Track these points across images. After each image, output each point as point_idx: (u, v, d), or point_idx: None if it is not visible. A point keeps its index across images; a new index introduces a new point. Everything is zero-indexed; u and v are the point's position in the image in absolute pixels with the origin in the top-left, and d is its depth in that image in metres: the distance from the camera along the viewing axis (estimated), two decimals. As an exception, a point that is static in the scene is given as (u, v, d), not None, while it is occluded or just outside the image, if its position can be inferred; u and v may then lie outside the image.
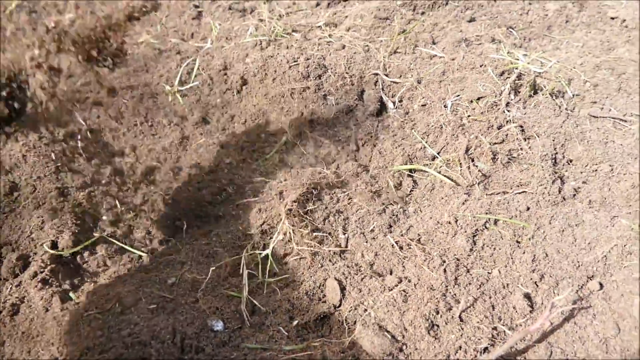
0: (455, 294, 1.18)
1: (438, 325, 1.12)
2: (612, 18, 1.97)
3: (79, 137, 1.65)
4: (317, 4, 2.09)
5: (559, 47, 1.85)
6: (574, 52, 1.79)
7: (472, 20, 1.93)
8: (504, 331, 1.12)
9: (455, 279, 1.20)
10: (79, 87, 1.77)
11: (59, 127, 1.65)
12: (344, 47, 1.79)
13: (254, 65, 1.76)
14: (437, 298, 1.15)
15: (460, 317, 1.14)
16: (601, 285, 1.18)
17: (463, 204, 1.35)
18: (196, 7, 2.14)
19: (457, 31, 1.84)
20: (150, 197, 1.54)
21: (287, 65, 1.71)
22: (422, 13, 1.97)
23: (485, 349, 1.10)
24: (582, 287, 1.19)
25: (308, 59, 1.72)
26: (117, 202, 1.52)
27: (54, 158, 1.52)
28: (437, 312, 1.13)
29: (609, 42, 1.84)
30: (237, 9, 2.12)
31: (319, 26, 1.94)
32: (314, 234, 1.30)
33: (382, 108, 1.65)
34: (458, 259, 1.24)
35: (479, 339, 1.11)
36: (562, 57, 1.74)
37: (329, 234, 1.31)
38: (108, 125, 1.72)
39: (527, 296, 1.18)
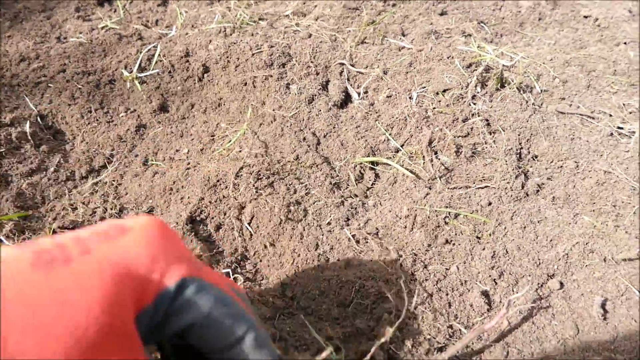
0: (410, 290, 1.12)
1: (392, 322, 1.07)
2: (585, 17, 1.94)
3: (28, 122, 1.56)
4: (287, -6, 2.04)
5: (531, 43, 1.81)
6: (545, 49, 1.75)
7: (443, 13, 1.88)
8: (460, 329, 1.07)
9: (412, 274, 1.15)
10: (31, 69, 1.69)
11: (6, 111, 1.57)
12: (310, 36, 1.73)
13: (216, 52, 1.69)
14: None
15: (414, 313, 1.08)
16: (561, 284, 1.14)
17: (424, 197, 1.30)
18: (162, -7, 2.07)
19: (428, 24, 1.79)
20: (100, 187, 1.47)
21: (250, 53, 1.65)
22: (393, 5, 1.92)
23: (441, 348, 1.05)
24: (542, 285, 1.14)
25: (272, 47, 1.66)
26: (65, 191, 1.44)
27: (-1, 142, 1.44)
28: (392, 309, 1.08)
29: (581, 41, 1.81)
30: (205, -4, 2.05)
31: (286, 15, 1.89)
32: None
33: (346, 99, 1.60)
34: (415, 254, 1.19)
35: (434, 337, 1.05)
36: (533, 53, 1.70)
37: (283, 226, 1.25)
38: (60, 111, 1.64)
39: (485, 294, 1.13)
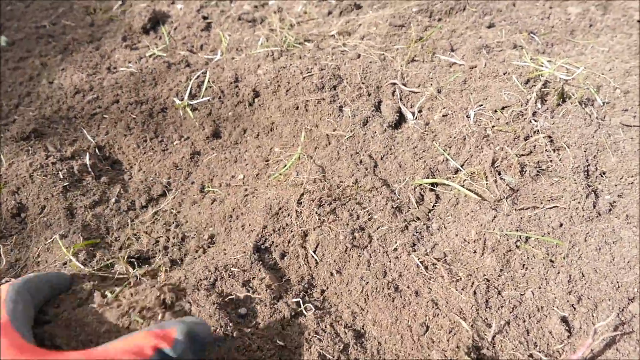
0: (486, 318, 1.10)
1: (478, 347, 1.05)
2: (639, 21, 1.89)
3: (88, 154, 1.59)
4: (329, 12, 2.03)
5: (584, 52, 1.77)
6: (600, 58, 1.71)
7: (491, 25, 1.85)
8: (541, 358, 1.04)
9: (486, 301, 1.13)
10: (86, 101, 1.72)
11: (66, 144, 1.59)
12: (359, 56, 1.72)
13: (266, 76, 1.69)
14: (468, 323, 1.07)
15: (492, 342, 1.06)
16: (644, 308, 1.10)
17: (492, 220, 1.27)
18: (205, 18, 2.09)
19: (477, 37, 1.77)
20: (161, 216, 1.48)
21: (301, 77, 1.65)
22: (439, 19, 1.90)
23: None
24: (622, 310, 1.11)
25: (322, 69, 1.65)
26: (128, 221, 1.46)
27: (61, 177, 1.46)
28: (469, 339, 1.06)
29: (637, 47, 1.77)
30: (247, 19, 2.06)
31: (332, 35, 1.88)
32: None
33: (400, 119, 1.58)
34: (488, 280, 1.17)
35: (516, 368, 1.03)
36: (589, 62, 1.66)
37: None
38: (117, 141, 1.66)
39: (564, 320, 1.10)
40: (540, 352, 1.06)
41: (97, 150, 1.61)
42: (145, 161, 1.62)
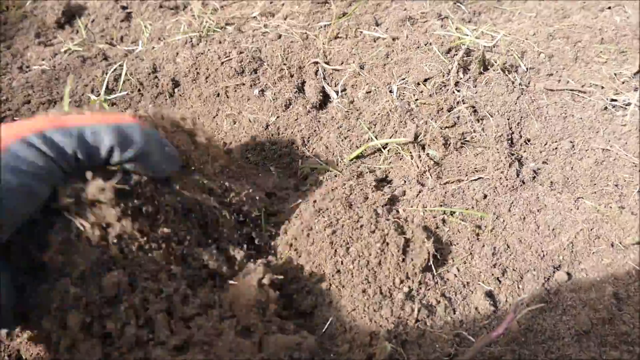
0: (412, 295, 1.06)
1: (398, 336, 1.00)
2: (565, -17, 1.86)
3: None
4: (254, -6, 1.95)
5: (511, 18, 1.74)
6: (526, 23, 1.67)
7: (417, -3, 1.80)
8: (467, 337, 1.00)
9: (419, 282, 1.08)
10: (-7, 104, 1.61)
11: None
12: (280, 36, 1.65)
13: (184, 64, 1.61)
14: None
15: (417, 325, 1.02)
16: (569, 275, 1.07)
17: (416, 196, 1.23)
18: (124, 8, 1.98)
19: (402, 10, 1.71)
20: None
21: (219, 62, 1.57)
22: (364, -6, 1.83)
23: (447, 357, 0.99)
24: (548, 279, 1.07)
25: (241, 53, 1.58)
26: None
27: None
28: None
29: (564, 10, 1.74)
30: (169, 6, 1.96)
31: (254, 17, 1.80)
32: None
33: (325, 99, 1.52)
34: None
35: (441, 349, 0.99)
36: (514, 28, 1.63)
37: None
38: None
39: (490, 294, 1.06)
40: (466, 330, 1.02)
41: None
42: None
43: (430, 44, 1.48)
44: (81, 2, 2.03)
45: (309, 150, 1.42)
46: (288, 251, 1.13)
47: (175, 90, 1.62)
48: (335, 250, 1.08)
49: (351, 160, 1.35)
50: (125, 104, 1.64)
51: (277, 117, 1.46)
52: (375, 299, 1.03)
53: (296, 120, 1.46)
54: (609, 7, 1.69)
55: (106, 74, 1.69)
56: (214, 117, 1.54)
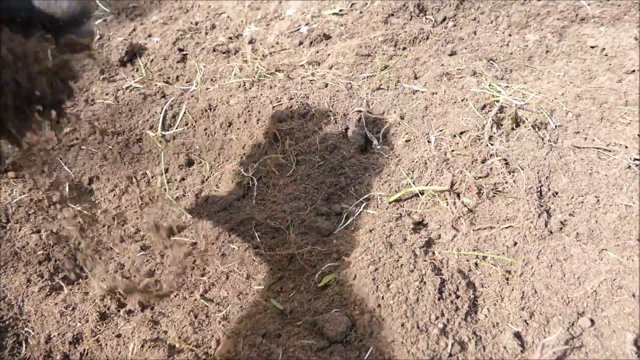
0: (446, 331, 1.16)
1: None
2: (592, 47, 1.98)
3: (67, 185, 1.64)
4: (300, 43, 2.11)
5: (540, 77, 1.86)
6: (555, 82, 1.80)
7: (453, 53, 1.94)
8: (496, 373, 1.10)
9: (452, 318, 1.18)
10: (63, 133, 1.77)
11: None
12: (326, 85, 1.79)
13: (238, 106, 1.76)
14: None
15: (449, 358, 1.12)
16: (592, 321, 1.16)
17: (451, 240, 1.34)
18: (180, 50, 2.16)
19: (439, 65, 1.85)
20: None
21: (271, 106, 1.72)
22: (404, 48, 1.98)
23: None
24: (572, 324, 1.17)
25: (291, 99, 1.72)
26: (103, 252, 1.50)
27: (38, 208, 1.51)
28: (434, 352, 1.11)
29: (590, 71, 1.86)
30: (221, 50, 2.13)
31: (302, 65, 1.96)
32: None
33: (366, 145, 1.65)
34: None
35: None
36: (544, 87, 1.75)
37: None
38: (93, 172, 1.72)
39: (518, 335, 1.16)
40: (495, 366, 1.11)
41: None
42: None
43: (467, 99, 1.61)
44: (142, 42, 2.21)
45: (351, 192, 1.54)
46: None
47: (228, 129, 1.77)
48: (377, 286, 1.20)
49: (390, 202, 1.47)
50: (181, 139, 1.80)
51: (323, 159, 1.59)
52: (412, 332, 1.13)
53: (340, 163, 1.58)
54: (633, 71, 1.80)
55: (166, 110, 1.85)
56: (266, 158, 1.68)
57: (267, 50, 2.11)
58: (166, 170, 1.75)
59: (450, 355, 1.12)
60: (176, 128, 1.81)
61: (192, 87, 1.99)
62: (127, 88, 1.99)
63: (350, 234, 1.42)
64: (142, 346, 1.23)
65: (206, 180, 1.72)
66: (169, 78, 2.07)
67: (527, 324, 1.18)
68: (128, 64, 2.13)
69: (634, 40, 1.98)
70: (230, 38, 2.22)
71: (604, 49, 1.96)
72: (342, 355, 1.12)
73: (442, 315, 1.16)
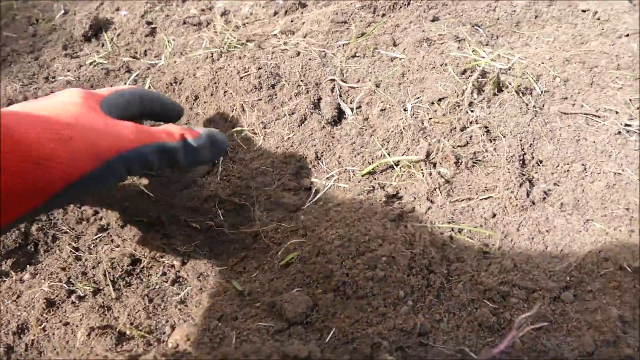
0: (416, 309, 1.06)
1: (402, 348, 1.00)
2: (584, 11, 1.87)
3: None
4: (275, 13, 2.00)
5: (529, 43, 1.75)
6: (544, 48, 1.68)
7: (435, 19, 1.83)
8: (469, 354, 1.00)
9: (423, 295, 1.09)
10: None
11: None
12: (298, 54, 1.68)
13: (204, 78, 1.65)
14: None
15: (419, 340, 1.02)
16: (576, 296, 1.06)
17: (425, 213, 1.24)
18: (149, 23, 2.04)
19: (419, 31, 1.73)
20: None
21: (238, 77, 1.61)
22: (383, 15, 1.87)
23: (451, 375, 0.98)
24: (555, 299, 1.07)
25: (260, 69, 1.61)
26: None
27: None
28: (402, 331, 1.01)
29: (581, 36, 1.74)
30: (192, 22, 2.02)
31: (274, 34, 1.84)
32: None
33: (340, 115, 1.54)
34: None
35: (444, 362, 0.99)
36: (531, 52, 1.64)
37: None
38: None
39: (495, 312, 1.06)
40: (469, 347, 1.02)
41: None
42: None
43: (446, 64, 1.50)
44: (108, 16, 2.10)
45: (322, 165, 1.44)
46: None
47: (195, 103, 1.67)
48: (342, 262, 1.10)
49: (363, 175, 1.37)
50: (145, 115, 1.69)
51: (293, 132, 1.49)
52: (379, 311, 1.04)
53: (310, 135, 1.48)
54: (627, 35, 1.69)
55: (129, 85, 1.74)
56: (232, 132, 1.57)
57: (241, 21, 2.00)
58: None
59: (420, 334, 1.02)
60: (141, 103, 1.70)
61: (160, 61, 1.88)
62: (90, 64, 1.88)
63: (318, 209, 1.31)
64: (89, 334, 1.14)
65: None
66: (136, 53, 1.96)
67: (505, 300, 1.08)
68: (93, 39, 2.02)
69: (628, 3, 1.86)
70: (203, 10, 2.11)
71: (596, 12, 1.84)
72: (301, 338, 1.03)
73: (412, 292, 1.07)
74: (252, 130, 1.52)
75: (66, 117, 0.95)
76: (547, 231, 1.16)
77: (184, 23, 2.02)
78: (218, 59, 1.75)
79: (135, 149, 1.00)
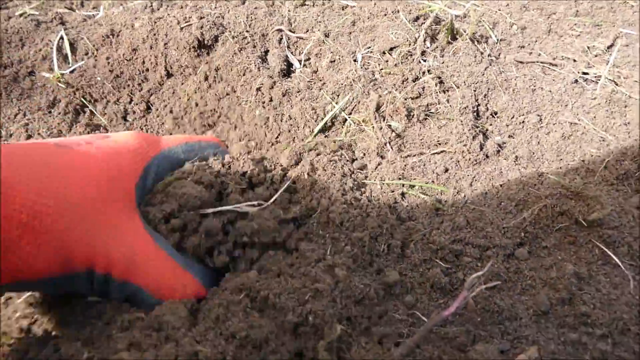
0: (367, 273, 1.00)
1: (350, 318, 0.94)
2: (543, -45, 1.79)
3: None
4: (222, -41, 1.86)
5: (487, -11, 1.67)
6: (502, -6, 1.61)
7: (390, -35, 1.72)
8: (421, 317, 0.95)
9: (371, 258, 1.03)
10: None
11: None
12: (244, 2, 1.57)
13: (142, 29, 1.53)
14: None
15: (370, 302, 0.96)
16: (530, 253, 1.02)
17: (374, 169, 1.17)
18: (85, -30, 1.89)
19: (373, -22, 1.64)
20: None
21: (179, 27, 1.49)
22: (334, -40, 1.75)
23: (403, 338, 0.93)
24: (509, 256, 1.02)
25: (202, 18, 1.50)
26: None
27: None
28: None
29: (540, -18, 1.67)
30: (132, -30, 1.87)
31: (219, -19, 1.72)
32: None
33: (288, 68, 1.45)
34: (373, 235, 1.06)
35: (395, 330, 0.94)
36: (488, -1, 1.56)
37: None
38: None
39: (447, 272, 1.01)
40: (421, 310, 0.97)
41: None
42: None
43: (398, 11, 1.41)
44: (40, -36, 1.93)
45: (274, 120, 1.35)
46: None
47: (133, 56, 1.54)
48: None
49: (315, 135, 1.29)
50: (79, 70, 1.56)
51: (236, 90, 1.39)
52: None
53: (259, 90, 1.39)
54: (587, -20, 1.63)
55: (62, 39, 1.60)
56: (173, 92, 1.47)
57: (184, -31, 1.86)
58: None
59: (371, 299, 0.97)
60: (74, 64, 1.57)
61: (98, 13, 1.74)
62: (20, 15, 1.73)
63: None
64: None
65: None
66: (72, 4, 1.82)
67: (458, 258, 1.03)
68: (23, -12, 1.86)
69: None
70: (144, -43, 1.95)
71: (555, -44, 1.77)
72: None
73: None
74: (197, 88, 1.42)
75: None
76: (501, 185, 1.11)
77: (123, -29, 1.87)
78: (158, 9, 1.62)
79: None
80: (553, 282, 0.97)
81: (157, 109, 1.52)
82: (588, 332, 0.90)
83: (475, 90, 1.26)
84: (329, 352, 0.85)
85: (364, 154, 1.21)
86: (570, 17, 1.46)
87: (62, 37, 1.59)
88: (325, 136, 1.30)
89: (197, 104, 1.46)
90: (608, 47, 1.36)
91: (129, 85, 1.54)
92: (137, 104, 1.52)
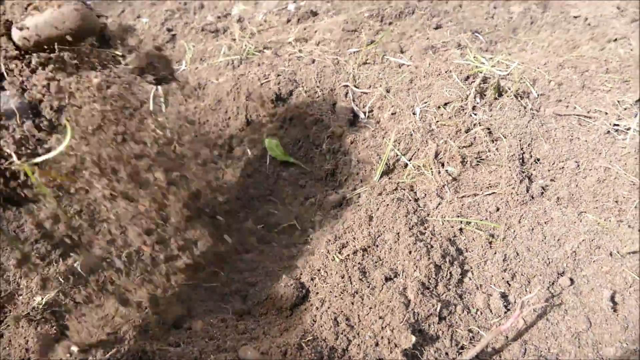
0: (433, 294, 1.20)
1: (421, 330, 1.14)
2: (575, 17, 2.01)
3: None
4: (288, 20, 2.13)
5: (525, 48, 1.89)
6: (539, 53, 1.83)
7: (438, 27, 1.97)
8: (479, 332, 1.15)
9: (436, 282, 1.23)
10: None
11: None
12: (313, 61, 1.82)
13: (227, 84, 1.78)
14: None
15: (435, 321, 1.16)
16: (572, 280, 1.21)
17: (435, 208, 1.38)
18: (169, 30, 2.17)
19: (424, 39, 1.88)
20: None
21: (259, 83, 1.74)
22: (390, 23, 2.00)
23: (461, 350, 1.13)
24: (553, 283, 1.22)
25: (279, 75, 1.75)
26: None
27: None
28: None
29: (573, 40, 1.89)
30: (210, 30, 2.15)
31: (289, 42, 1.98)
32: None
33: (354, 119, 1.68)
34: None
35: (457, 342, 1.13)
36: (527, 58, 1.78)
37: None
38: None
39: (500, 296, 1.21)
40: (479, 326, 1.16)
41: None
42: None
43: (450, 71, 1.64)
44: (131, 23, 2.23)
45: (344, 164, 1.58)
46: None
47: (218, 106, 1.80)
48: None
49: (380, 176, 1.51)
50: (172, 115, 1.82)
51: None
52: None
53: (329, 137, 1.62)
54: (615, 40, 1.83)
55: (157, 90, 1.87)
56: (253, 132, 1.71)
57: (256, 28, 2.13)
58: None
59: (438, 315, 1.16)
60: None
61: (181, 66, 2.01)
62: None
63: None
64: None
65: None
66: (158, 58, 2.09)
67: (509, 285, 1.22)
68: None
69: (616, 10, 2.01)
70: (219, 17, 2.24)
71: (586, 18, 1.99)
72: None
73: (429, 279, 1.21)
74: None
75: None
76: (545, 222, 1.31)
77: (202, 30, 2.15)
78: (238, 66, 1.88)
79: None
80: (592, 305, 1.16)
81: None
82: (622, 347, 1.09)
83: (520, 140, 1.47)
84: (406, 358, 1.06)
85: (425, 194, 1.43)
86: (601, 74, 1.67)
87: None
88: (389, 178, 1.52)
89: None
90: (636, 101, 1.56)
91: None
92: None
